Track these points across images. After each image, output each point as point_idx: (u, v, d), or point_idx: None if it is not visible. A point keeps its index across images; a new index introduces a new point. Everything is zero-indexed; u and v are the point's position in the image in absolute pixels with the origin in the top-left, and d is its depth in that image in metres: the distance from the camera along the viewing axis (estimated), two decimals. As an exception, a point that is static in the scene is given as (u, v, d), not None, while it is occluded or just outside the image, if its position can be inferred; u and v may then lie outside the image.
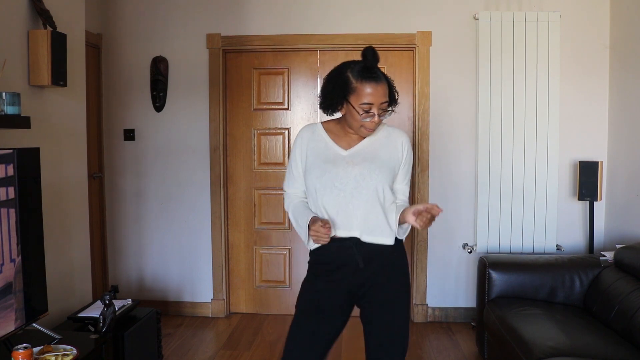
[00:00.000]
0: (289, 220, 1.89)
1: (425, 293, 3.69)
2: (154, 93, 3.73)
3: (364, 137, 1.81)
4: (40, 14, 2.37)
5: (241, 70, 3.78)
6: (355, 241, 1.75)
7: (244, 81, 3.78)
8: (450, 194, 3.64)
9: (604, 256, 2.87)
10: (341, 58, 3.85)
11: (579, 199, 3.37)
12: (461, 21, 3.55)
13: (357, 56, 3.76)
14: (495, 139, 3.47)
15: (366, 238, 1.75)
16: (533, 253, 3.45)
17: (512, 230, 3.49)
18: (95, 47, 3.67)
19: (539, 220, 3.46)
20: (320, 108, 1.84)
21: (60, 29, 2.44)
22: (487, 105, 3.46)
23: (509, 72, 3.43)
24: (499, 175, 3.48)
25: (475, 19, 3.48)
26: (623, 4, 3.34)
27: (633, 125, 3.20)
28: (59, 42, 2.39)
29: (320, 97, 1.82)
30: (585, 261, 2.88)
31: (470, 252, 3.59)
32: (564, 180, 3.55)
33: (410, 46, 3.61)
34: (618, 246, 2.81)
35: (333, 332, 1.81)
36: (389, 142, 1.82)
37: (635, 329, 2.22)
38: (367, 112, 1.69)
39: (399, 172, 1.82)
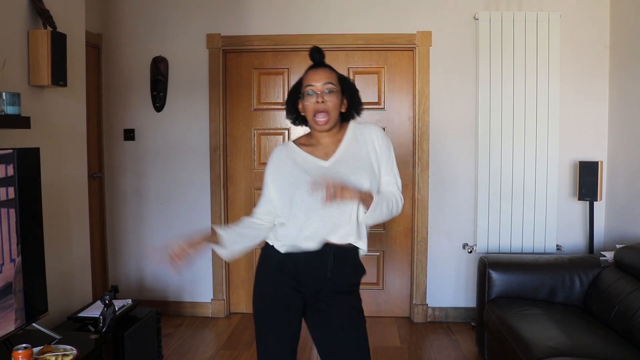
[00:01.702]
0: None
1: (425, 293, 3.69)
2: (154, 93, 3.73)
3: (339, 142, 1.80)
4: (40, 14, 2.37)
5: (241, 70, 3.78)
6: (333, 249, 1.72)
7: (244, 81, 3.78)
8: (451, 194, 3.64)
9: (604, 256, 2.87)
10: (341, 58, 3.86)
11: (579, 199, 3.37)
12: (461, 21, 3.55)
13: (357, 56, 3.79)
14: (495, 139, 3.47)
15: (355, 242, 1.73)
16: (533, 253, 3.45)
17: (512, 230, 3.49)
18: (95, 47, 3.67)
19: (539, 220, 3.46)
20: (287, 118, 1.90)
21: (60, 29, 2.44)
22: (487, 105, 3.46)
23: (509, 72, 3.43)
24: (499, 175, 3.47)
25: (475, 19, 3.48)
26: (623, 4, 3.34)
27: (633, 125, 3.20)
28: (59, 42, 2.39)
29: (285, 108, 1.90)
30: (585, 261, 2.88)
31: (470, 252, 3.59)
32: (564, 180, 3.55)
33: (410, 46, 3.61)
34: (618, 246, 2.81)
35: (296, 329, 1.79)
36: (363, 138, 1.81)
37: (635, 329, 2.22)
38: (309, 94, 1.75)
39: (381, 166, 1.80)
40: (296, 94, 1.83)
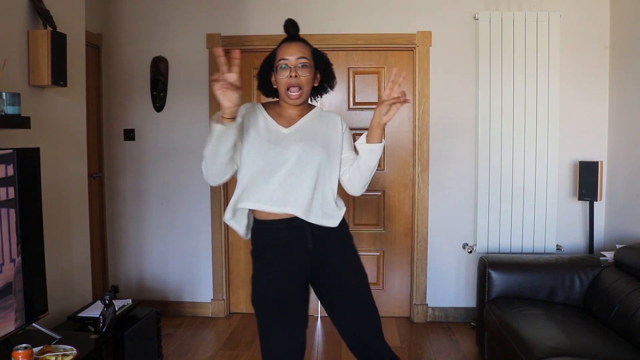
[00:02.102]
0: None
1: (425, 293, 3.69)
2: (154, 93, 3.73)
3: (303, 115, 1.83)
4: (40, 14, 2.37)
5: (241, 70, 3.75)
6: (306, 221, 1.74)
7: (244, 81, 3.78)
8: (450, 194, 3.64)
9: (604, 256, 2.87)
10: (341, 58, 3.85)
11: (579, 199, 3.37)
12: (461, 21, 3.55)
13: (357, 56, 3.78)
14: (495, 139, 3.47)
15: (313, 219, 1.73)
16: (533, 253, 3.45)
17: (512, 230, 3.49)
18: (95, 47, 3.67)
19: (539, 220, 3.46)
20: (258, 89, 1.92)
21: (60, 29, 2.44)
22: (487, 105, 3.46)
23: (509, 72, 3.43)
24: (499, 175, 3.48)
25: (475, 19, 3.48)
26: (623, 4, 3.34)
27: (633, 125, 3.20)
28: (59, 42, 2.39)
29: (257, 79, 1.91)
30: (585, 261, 2.88)
31: (470, 252, 3.59)
32: (564, 180, 3.55)
33: (410, 46, 3.61)
34: (618, 246, 2.81)
35: (302, 322, 1.76)
36: (327, 122, 1.86)
37: (635, 329, 2.22)
38: (282, 68, 1.77)
39: (343, 145, 1.84)
40: (269, 66, 1.84)
